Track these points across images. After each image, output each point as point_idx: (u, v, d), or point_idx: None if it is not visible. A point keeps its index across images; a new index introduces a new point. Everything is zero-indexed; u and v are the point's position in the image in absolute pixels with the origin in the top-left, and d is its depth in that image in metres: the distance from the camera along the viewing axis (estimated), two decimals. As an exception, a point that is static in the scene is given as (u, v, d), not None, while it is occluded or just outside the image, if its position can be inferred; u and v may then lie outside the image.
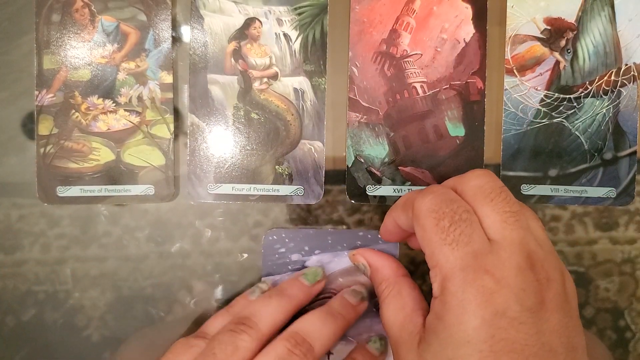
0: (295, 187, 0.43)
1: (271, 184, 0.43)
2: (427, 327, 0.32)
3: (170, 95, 0.43)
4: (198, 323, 0.43)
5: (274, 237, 0.43)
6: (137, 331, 0.44)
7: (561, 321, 0.30)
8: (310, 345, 0.36)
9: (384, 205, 0.43)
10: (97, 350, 0.43)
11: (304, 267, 0.43)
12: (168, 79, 0.43)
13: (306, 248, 0.43)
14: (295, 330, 0.37)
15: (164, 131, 0.43)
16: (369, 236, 0.43)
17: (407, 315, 0.35)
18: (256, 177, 0.43)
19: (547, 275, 0.31)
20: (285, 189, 0.43)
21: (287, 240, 0.43)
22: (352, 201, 0.43)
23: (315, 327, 0.37)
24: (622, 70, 0.43)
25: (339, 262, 0.43)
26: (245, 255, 0.44)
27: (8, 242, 0.44)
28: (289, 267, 0.43)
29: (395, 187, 0.43)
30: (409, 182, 0.43)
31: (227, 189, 0.43)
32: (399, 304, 0.36)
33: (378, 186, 0.43)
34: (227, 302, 0.43)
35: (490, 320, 0.29)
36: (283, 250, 0.43)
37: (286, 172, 0.43)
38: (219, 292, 0.44)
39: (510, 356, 0.29)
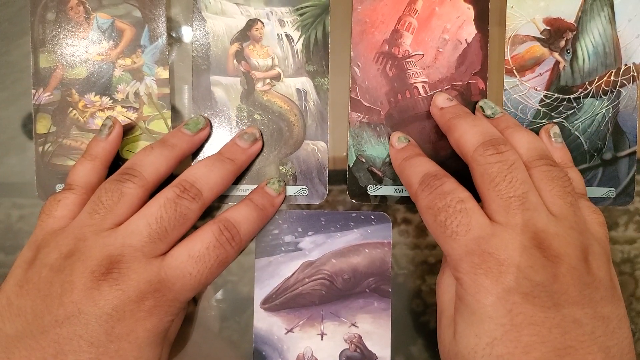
0: (300, 187, 0.43)
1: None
2: (455, 309, 0.35)
3: (166, 90, 0.43)
4: (198, 323, 0.43)
5: None
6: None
7: (582, 293, 0.31)
8: (198, 190, 0.38)
9: (384, 205, 0.43)
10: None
11: (297, 248, 0.43)
12: (164, 74, 0.43)
13: (299, 229, 0.43)
14: (184, 177, 0.38)
15: (161, 126, 0.43)
16: (362, 217, 0.43)
17: (454, 298, 0.35)
18: (260, 178, 0.43)
19: (556, 252, 0.32)
20: (289, 189, 0.43)
21: (280, 221, 0.43)
22: (353, 201, 0.43)
23: (202, 172, 0.38)
24: (622, 70, 0.43)
25: (332, 243, 0.43)
26: (245, 255, 0.43)
27: (8, 242, 0.44)
28: (282, 249, 0.43)
29: (396, 187, 0.43)
30: (410, 182, 0.43)
31: (231, 189, 0.43)
32: (453, 280, 0.36)
33: (379, 186, 0.43)
34: (227, 302, 0.43)
35: (504, 297, 0.31)
36: (276, 231, 0.43)
37: (290, 173, 0.43)
38: (219, 292, 0.43)
39: (531, 328, 0.30)
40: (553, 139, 0.41)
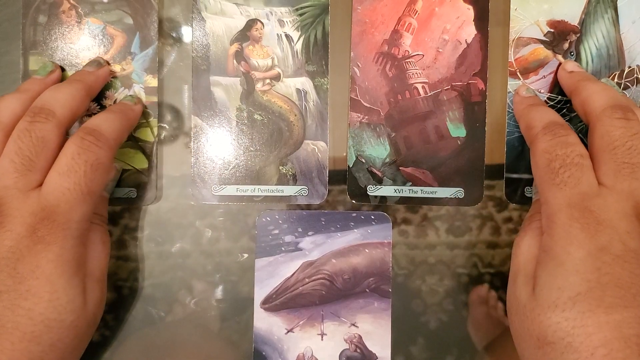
0: (300, 187, 0.43)
1: (275, 184, 0.43)
2: (537, 263, 0.35)
3: (154, 99, 0.43)
4: (198, 323, 0.43)
5: (268, 218, 0.43)
6: (137, 331, 0.44)
7: None
8: (49, 109, 0.37)
9: (384, 205, 0.43)
10: (97, 350, 0.43)
11: (297, 248, 0.43)
12: (153, 82, 0.43)
13: (299, 229, 0.43)
14: (33, 105, 0.38)
15: (147, 134, 0.43)
16: (362, 217, 0.43)
17: (536, 257, 0.36)
18: (260, 178, 0.43)
19: None
20: (289, 190, 0.43)
21: (280, 221, 0.43)
22: (353, 201, 0.43)
23: (50, 95, 0.38)
24: (625, 72, 0.43)
25: (332, 243, 0.43)
26: (245, 255, 0.43)
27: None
28: (282, 249, 0.43)
29: (396, 187, 0.43)
30: (410, 183, 0.43)
31: (231, 190, 0.43)
32: (535, 240, 0.36)
33: (379, 186, 0.43)
34: (227, 302, 0.43)
35: (595, 254, 0.32)
36: (277, 231, 0.43)
37: (290, 173, 0.43)
38: (219, 292, 0.44)
39: (616, 290, 0.31)
40: None
